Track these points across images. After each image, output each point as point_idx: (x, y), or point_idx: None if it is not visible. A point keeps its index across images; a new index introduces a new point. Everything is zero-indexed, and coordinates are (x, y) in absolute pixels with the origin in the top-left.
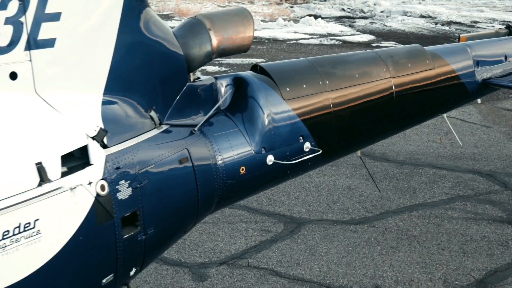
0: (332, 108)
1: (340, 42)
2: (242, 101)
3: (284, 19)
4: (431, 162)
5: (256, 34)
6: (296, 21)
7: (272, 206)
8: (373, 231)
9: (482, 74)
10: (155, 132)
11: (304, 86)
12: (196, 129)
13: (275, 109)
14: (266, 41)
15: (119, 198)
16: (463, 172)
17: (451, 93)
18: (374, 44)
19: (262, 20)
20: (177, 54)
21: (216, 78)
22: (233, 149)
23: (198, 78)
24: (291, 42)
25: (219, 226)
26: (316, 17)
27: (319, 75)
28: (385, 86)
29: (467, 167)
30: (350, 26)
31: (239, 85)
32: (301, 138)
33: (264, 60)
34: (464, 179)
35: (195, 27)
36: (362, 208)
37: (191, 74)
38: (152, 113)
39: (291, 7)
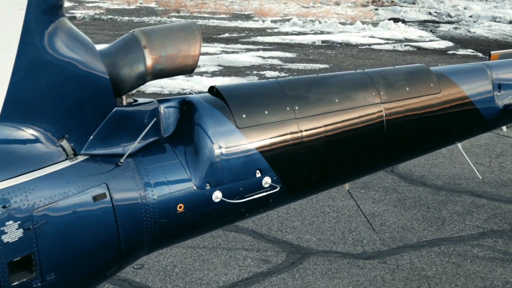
0: (301, 138)
1: (415, 49)
2: (187, 128)
3: (363, 23)
4: (472, 188)
5: (329, 37)
6: (375, 24)
7: (282, 232)
8: (382, 268)
9: (504, 99)
10: (65, 164)
11: (266, 112)
12: (122, 160)
13: (226, 138)
14: (338, 45)
15: (5, 241)
16: (505, 203)
17: (461, 121)
18: (450, 52)
19: (340, 23)
20: (98, 75)
21: (159, 101)
22: (169, 184)
23: (135, 101)
24: (363, 47)
25: (216, 253)
26: (397, 20)
27: (287, 100)
28: (372, 113)
29: (511, 197)
30: (431, 31)
31: (186, 110)
32: (258, 172)
33: (327, 66)
34: (503, 210)
35: (128, 44)
36: (379, 240)
37: (123, 97)
38: (64, 143)
39: (376, 9)
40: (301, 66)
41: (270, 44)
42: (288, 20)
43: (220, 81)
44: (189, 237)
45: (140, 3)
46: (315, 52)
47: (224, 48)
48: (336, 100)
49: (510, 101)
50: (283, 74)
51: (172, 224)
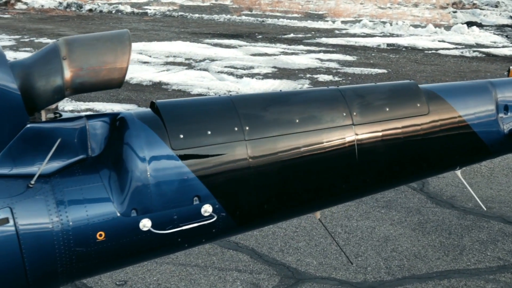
0: (250, 163)
1: (483, 55)
2: (115, 148)
3: (436, 26)
4: (504, 213)
5: (396, 41)
6: (448, 28)
7: (283, 252)
8: None
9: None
10: None
11: (209, 133)
12: (33, 181)
13: (157, 161)
14: (403, 49)
15: None
16: None
17: (454, 146)
18: None
19: (412, 26)
20: (6, 88)
21: (88, 116)
22: (88, 209)
23: (59, 116)
24: (430, 52)
25: (206, 272)
26: (472, 24)
27: (237, 119)
28: (341, 136)
29: None
30: (507, 36)
31: (117, 127)
32: (196, 199)
33: (385, 71)
34: None
35: (47, 54)
36: (385, 268)
37: (42, 112)
38: None
39: (454, 12)
40: (357, 70)
41: (333, 46)
42: (359, 21)
43: (269, 84)
44: (118, 267)
45: (216, 1)
46: (377, 56)
47: (285, 49)
48: (297, 121)
49: None
50: (336, 79)
51: (92, 253)
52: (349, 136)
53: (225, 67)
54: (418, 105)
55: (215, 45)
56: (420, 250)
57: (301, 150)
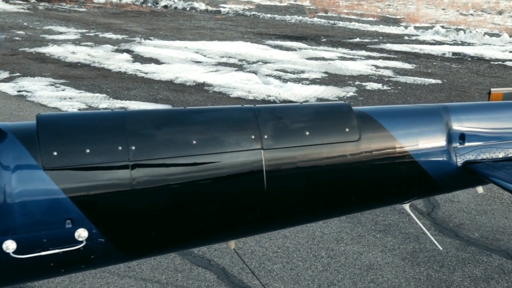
0: (134, 186)
1: None
2: None
3: None
4: (510, 248)
5: (464, 49)
6: None
7: (253, 274)
8: None
9: (467, 154)
10: None
11: (88, 151)
12: None
13: (24, 178)
14: (469, 59)
15: None
16: None
17: (392, 178)
18: None
19: (487, 34)
20: None
21: None
22: None
23: None
24: (495, 63)
25: None
26: None
27: (123, 137)
28: (246, 162)
29: None
30: None
31: None
32: (69, 222)
33: (440, 82)
34: None
35: None
36: None
37: None
38: None
39: None
40: (410, 79)
41: (396, 52)
42: (433, 27)
43: (312, 90)
44: None
45: (294, 1)
46: (437, 65)
47: (344, 54)
48: (194, 142)
49: (475, 157)
50: (385, 88)
51: None
52: (256, 162)
53: (275, 70)
54: (347, 130)
55: (275, 46)
56: (402, 283)
57: (196, 175)
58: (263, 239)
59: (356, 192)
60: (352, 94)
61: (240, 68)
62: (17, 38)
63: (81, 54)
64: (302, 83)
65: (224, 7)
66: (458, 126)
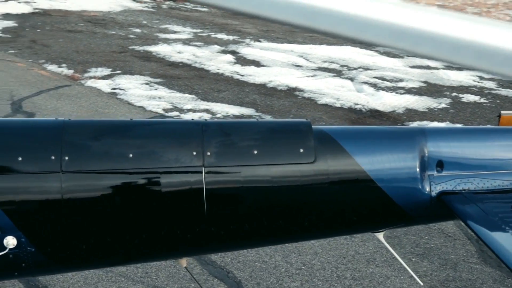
0: (64, 197)
1: None
2: None
3: None
4: None
5: None
6: None
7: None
8: None
9: (445, 183)
10: None
11: (20, 159)
12: None
13: None
14: None
15: None
16: None
17: (352, 205)
18: None
19: None
20: None
21: None
22: None
23: None
24: None
25: None
26: None
27: (58, 146)
28: (184, 181)
29: None
30: None
31: None
32: None
33: None
34: None
35: None
36: None
37: None
38: None
39: None
40: (504, 92)
41: None
42: None
43: (403, 100)
44: None
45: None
46: None
47: (451, 63)
48: (130, 155)
49: (454, 187)
50: (482, 100)
51: None
52: (196, 182)
53: (373, 77)
54: (301, 150)
55: (384, 53)
56: None
57: (128, 190)
58: (291, 254)
59: (309, 218)
60: (444, 106)
61: (338, 74)
62: (132, 36)
63: (187, 54)
64: (396, 92)
65: None
66: (436, 151)
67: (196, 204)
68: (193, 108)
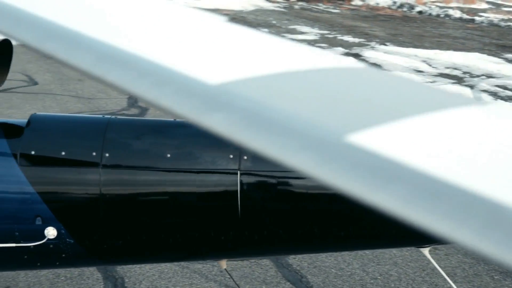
0: (103, 192)
1: None
2: None
3: None
4: None
5: None
6: None
7: None
8: None
9: None
10: None
11: (63, 153)
12: None
13: (2, 173)
14: None
15: None
16: None
17: (389, 218)
18: None
19: None
20: None
21: None
22: None
23: None
24: None
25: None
26: None
27: (100, 142)
28: (220, 183)
29: None
30: None
31: None
32: (39, 219)
33: None
34: None
35: None
36: None
37: None
38: None
39: None
40: None
41: None
42: None
43: None
44: None
45: None
46: None
47: None
48: (168, 155)
49: None
50: None
51: None
52: (231, 184)
53: (495, 86)
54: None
55: None
56: None
57: (164, 189)
58: (370, 262)
59: (344, 227)
60: None
61: (459, 81)
62: None
63: None
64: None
65: (481, 16)
66: None
67: (230, 207)
68: None
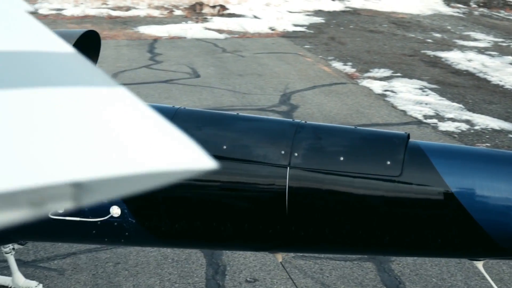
0: None
1: None
2: None
3: None
4: None
5: None
6: None
7: None
8: None
9: None
10: None
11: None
12: None
13: None
14: None
15: None
16: None
17: (432, 227)
18: None
19: None
20: None
21: None
22: None
23: None
24: None
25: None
26: None
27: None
28: (269, 177)
29: None
30: None
31: None
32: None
33: None
34: None
35: None
36: None
37: None
38: None
39: None
40: None
41: None
42: None
43: None
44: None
45: None
46: None
47: None
48: (224, 147)
49: None
50: None
51: None
52: (280, 178)
53: None
54: (389, 162)
55: None
56: None
57: (217, 180)
58: (474, 276)
59: (387, 231)
60: None
61: None
62: (429, 41)
63: (475, 62)
64: None
65: None
66: None
67: (278, 202)
68: (454, 118)
